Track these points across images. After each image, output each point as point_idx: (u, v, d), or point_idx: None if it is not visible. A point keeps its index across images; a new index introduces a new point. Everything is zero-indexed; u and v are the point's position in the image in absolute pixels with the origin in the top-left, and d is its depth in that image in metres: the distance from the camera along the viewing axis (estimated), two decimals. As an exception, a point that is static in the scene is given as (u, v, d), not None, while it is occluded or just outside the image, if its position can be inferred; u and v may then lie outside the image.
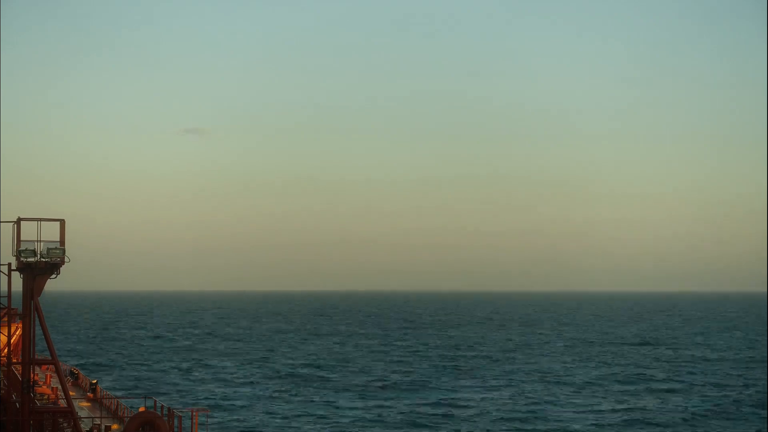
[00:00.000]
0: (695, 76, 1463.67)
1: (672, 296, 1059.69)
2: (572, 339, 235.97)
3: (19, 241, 48.38)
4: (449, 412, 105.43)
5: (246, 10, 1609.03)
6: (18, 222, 48.53)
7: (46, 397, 61.04)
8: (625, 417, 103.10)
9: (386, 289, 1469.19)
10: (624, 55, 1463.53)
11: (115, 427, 53.43)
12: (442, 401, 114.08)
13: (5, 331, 56.90)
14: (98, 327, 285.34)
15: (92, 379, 73.82)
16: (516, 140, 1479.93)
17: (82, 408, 59.61)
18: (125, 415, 56.64)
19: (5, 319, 53.62)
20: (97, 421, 54.12)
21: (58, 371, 50.26)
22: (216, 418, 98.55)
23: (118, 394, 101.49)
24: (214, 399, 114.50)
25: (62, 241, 48.62)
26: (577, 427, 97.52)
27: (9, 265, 49.40)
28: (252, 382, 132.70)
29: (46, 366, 71.29)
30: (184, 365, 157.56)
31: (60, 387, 53.57)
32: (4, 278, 49.46)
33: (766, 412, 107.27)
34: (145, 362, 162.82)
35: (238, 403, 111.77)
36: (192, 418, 52.91)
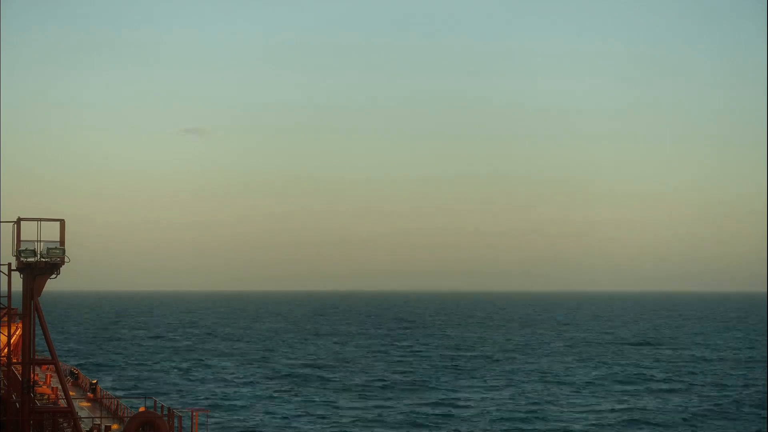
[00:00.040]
0: (695, 76, 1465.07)
1: (672, 296, 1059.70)
2: (572, 339, 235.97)
3: (19, 241, 48.39)
4: (449, 412, 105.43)
5: (246, 10, 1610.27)
6: (18, 222, 48.53)
7: (46, 397, 61.03)
8: (625, 417, 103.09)
9: (386, 289, 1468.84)
10: (624, 55, 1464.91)
11: (115, 427, 53.44)
12: (442, 401, 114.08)
13: (5, 331, 56.93)
14: (98, 327, 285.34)
15: (92, 379, 73.85)
16: (516, 140, 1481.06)
17: (82, 408, 59.61)
18: (125, 415, 56.64)
19: (5, 319, 53.64)
20: (97, 421, 54.13)
21: (58, 371, 50.26)
22: (216, 418, 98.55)
23: (118, 394, 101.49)
24: (214, 399, 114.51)
25: (62, 241, 48.62)
26: (577, 427, 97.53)
27: (9, 265, 49.42)
28: (252, 382, 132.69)
29: (46, 366, 71.29)
30: (184, 365, 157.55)
31: (60, 387, 53.58)
32: (4, 278, 49.49)
33: (766, 412, 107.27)
34: (145, 362, 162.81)
35: (238, 403, 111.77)
36: (192, 418, 52.92)
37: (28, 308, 49.00)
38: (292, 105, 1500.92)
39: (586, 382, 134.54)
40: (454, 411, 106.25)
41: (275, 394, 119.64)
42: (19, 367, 51.11)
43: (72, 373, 78.12)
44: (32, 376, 50.63)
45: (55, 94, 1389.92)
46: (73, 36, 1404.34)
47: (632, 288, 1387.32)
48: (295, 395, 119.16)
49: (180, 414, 51.21)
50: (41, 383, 66.23)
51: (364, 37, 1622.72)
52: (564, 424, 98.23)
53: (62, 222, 48.86)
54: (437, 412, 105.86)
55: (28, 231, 48.35)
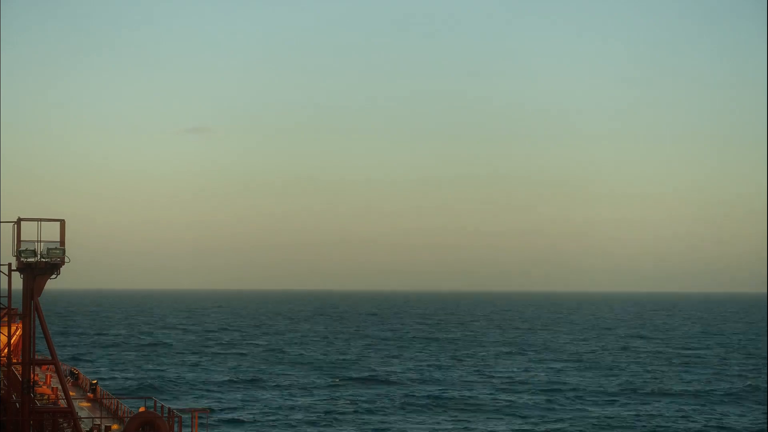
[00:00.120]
0: (695, 76, 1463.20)
1: (672, 296, 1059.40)
2: (571, 339, 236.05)
3: (19, 241, 48.37)
4: (449, 412, 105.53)
5: (246, 10, 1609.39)
6: (18, 222, 48.52)
7: (46, 397, 60.99)
8: (625, 417, 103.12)
9: (386, 289, 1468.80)
10: (624, 55, 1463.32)
11: (115, 427, 53.42)
12: (442, 401, 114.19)
13: (5, 331, 56.91)
14: (98, 326, 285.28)
15: (92, 379, 73.78)
16: (516, 140, 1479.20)
17: (82, 408, 59.59)
18: (125, 415, 56.61)
19: (5, 319, 53.62)
20: (97, 422, 54.11)
21: (58, 371, 50.25)
22: (216, 418, 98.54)
23: (118, 394, 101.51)
24: (214, 399, 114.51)
25: (62, 241, 48.61)
26: (577, 427, 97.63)
27: (9, 265, 49.40)
28: (252, 382, 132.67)
29: (46, 366, 71.25)
30: (184, 365, 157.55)
31: (60, 387, 53.56)
32: (4, 278, 49.47)
33: (766, 412, 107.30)
34: (145, 362, 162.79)
35: (238, 403, 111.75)
36: (192, 418, 52.91)
37: (28, 308, 49.00)
38: (292, 105, 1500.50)
39: (586, 382, 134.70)
40: (454, 410, 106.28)
41: (275, 394, 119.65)
42: (19, 367, 51.10)
43: (72, 373, 78.09)
44: (32, 376, 50.62)
45: (55, 94, 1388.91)
46: (73, 36, 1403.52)
47: (632, 288, 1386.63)
48: (297, 395, 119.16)
49: (180, 414, 51.20)
50: (41, 383, 66.20)
51: (364, 37, 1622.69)
52: (564, 424, 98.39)
53: (62, 222, 48.85)
54: (436, 412, 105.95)
55: (28, 231, 48.35)
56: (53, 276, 48.77)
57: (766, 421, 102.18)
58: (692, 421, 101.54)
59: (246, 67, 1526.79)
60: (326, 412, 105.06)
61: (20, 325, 54.69)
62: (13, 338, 60.39)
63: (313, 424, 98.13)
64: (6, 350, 55.40)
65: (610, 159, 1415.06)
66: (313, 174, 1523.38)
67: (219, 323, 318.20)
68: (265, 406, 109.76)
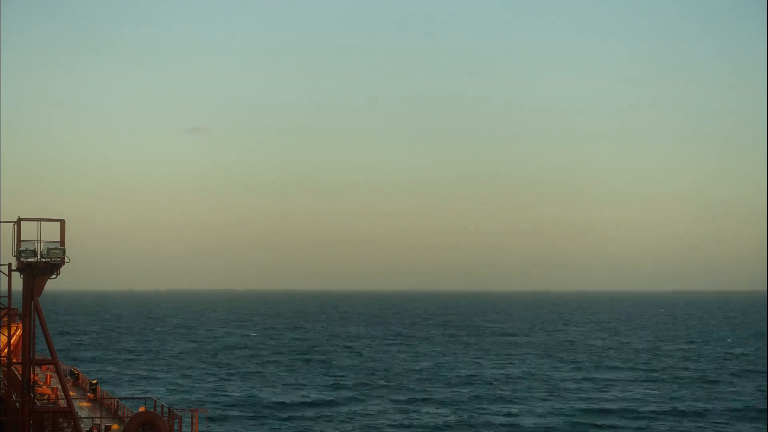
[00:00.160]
0: (695, 76, 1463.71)
1: (672, 296, 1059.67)
2: (572, 339, 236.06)
3: (19, 241, 48.35)
4: (450, 411, 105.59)
5: (246, 10, 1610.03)
6: (18, 222, 48.52)
7: (46, 397, 61.00)
8: (625, 417, 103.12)
9: (386, 289, 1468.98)
10: (624, 55, 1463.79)
11: (115, 427, 53.43)
12: (442, 402, 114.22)
13: (5, 331, 56.91)
14: (98, 326, 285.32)
15: (92, 379, 73.79)
16: (516, 140, 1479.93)
17: (82, 408, 59.60)
18: (125, 415, 56.62)
19: (5, 319, 53.62)
20: (97, 421, 54.11)
21: (58, 371, 50.25)
22: (216, 418, 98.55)
23: (119, 394, 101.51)
24: (214, 399, 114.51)
25: (62, 241, 48.59)
26: (578, 427, 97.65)
27: (9, 265, 49.38)
28: (252, 382, 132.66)
29: (46, 366, 71.27)
30: (185, 365, 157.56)
31: (60, 387, 53.56)
32: (4, 278, 49.45)
33: (766, 412, 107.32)
34: (145, 362, 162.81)
35: (239, 403, 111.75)
36: (192, 418, 52.92)
37: (28, 308, 48.98)
38: (292, 105, 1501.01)
39: (585, 383, 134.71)
40: (454, 409, 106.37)
41: (275, 394, 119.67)
42: (19, 367, 51.10)
43: (72, 373, 78.11)
44: (32, 376, 50.62)
45: (55, 94, 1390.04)
46: (73, 36, 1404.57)
47: (632, 288, 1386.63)
48: (296, 394, 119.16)
49: (180, 414, 51.21)
50: (41, 383, 66.21)
51: (364, 37, 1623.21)
52: (563, 424, 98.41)
53: (62, 222, 48.83)
54: (437, 412, 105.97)
55: (28, 231, 48.34)
56: (53, 276, 48.75)
57: (766, 422, 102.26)
58: (692, 422, 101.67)
59: (246, 67, 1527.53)
60: (327, 412, 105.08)
61: (20, 325, 54.71)
62: (13, 338, 60.39)
63: (314, 423, 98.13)
64: (6, 350, 55.41)
65: (610, 159, 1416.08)
66: (313, 174, 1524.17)
67: (219, 323, 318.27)
68: (265, 405, 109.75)
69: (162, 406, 53.11)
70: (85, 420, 53.72)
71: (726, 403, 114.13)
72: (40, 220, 48.33)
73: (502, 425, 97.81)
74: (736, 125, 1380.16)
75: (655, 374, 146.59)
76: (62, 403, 53.49)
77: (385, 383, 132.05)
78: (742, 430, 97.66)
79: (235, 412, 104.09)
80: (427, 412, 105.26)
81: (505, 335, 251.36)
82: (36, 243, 48.23)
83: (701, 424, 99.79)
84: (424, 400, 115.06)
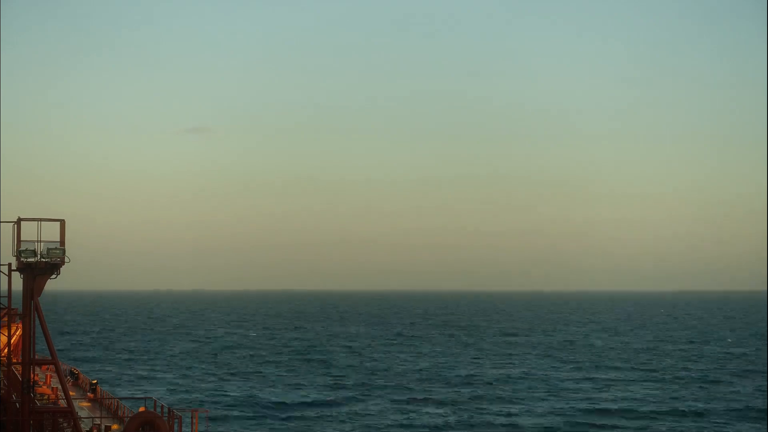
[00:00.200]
0: (695, 76, 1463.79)
1: (672, 296, 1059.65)
2: (571, 339, 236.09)
3: (19, 241, 48.34)
4: (449, 411, 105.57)
5: (246, 10, 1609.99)
6: (18, 222, 48.51)
7: (46, 397, 61.00)
8: (625, 417, 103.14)
9: (386, 289, 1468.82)
10: (624, 55, 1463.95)
11: (115, 427, 53.43)
12: (442, 402, 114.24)
13: (5, 331, 56.91)
14: (98, 327, 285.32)
15: (92, 379, 73.79)
16: (516, 140, 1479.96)
17: (82, 408, 59.59)
18: (125, 415, 56.62)
19: (5, 319, 53.62)
20: (97, 421, 54.12)
21: (58, 371, 50.24)
22: (216, 418, 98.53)
23: (119, 394, 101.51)
24: (214, 399, 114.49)
25: (62, 241, 48.58)
26: (578, 427, 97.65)
27: (9, 265, 49.37)
28: (252, 382, 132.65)
29: (46, 366, 71.27)
30: (185, 365, 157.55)
31: (60, 387, 53.55)
32: (4, 278, 49.43)
33: (766, 412, 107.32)
34: (145, 362, 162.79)
35: (239, 403, 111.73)
36: (192, 418, 52.92)
37: (28, 308, 48.98)
38: (292, 105, 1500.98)
39: (585, 382, 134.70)
40: (454, 409, 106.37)
41: (275, 394, 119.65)
42: (19, 367, 51.09)
43: (72, 373, 78.11)
44: (32, 376, 50.61)
45: (55, 94, 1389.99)
46: (73, 36, 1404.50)
47: (632, 288, 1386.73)
48: (296, 395, 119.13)
49: (180, 414, 51.20)
50: (41, 383, 66.20)
51: (364, 37, 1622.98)
52: (564, 423, 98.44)
53: (62, 222, 48.82)
54: (438, 411, 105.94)
55: (28, 231, 48.33)
56: (53, 276, 48.74)
57: (766, 422, 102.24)
58: (692, 422, 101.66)
59: (246, 67, 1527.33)
60: (327, 412, 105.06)
61: (20, 325, 54.69)
62: (13, 338, 60.39)
63: (314, 423, 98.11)
64: (6, 350, 55.41)
65: (610, 159, 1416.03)
66: (313, 174, 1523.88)
67: (219, 323, 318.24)
68: (265, 405, 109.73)
69: (162, 406, 53.10)
70: (85, 420, 53.71)
71: (726, 403, 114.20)
72: (40, 220, 48.32)
73: (502, 425, 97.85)
74: (736, 125, 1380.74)
75: (655, 374, 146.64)
76: (62, 403, 53.48)
77: (385, 383, 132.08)
78: (742, 430, 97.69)
79: (235, 412, 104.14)
80: (427, 412, 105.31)
81: (505, 335, 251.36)
82: (36, 243, 48.22)
83: (701, 424, 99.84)
84: (424, 400, 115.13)
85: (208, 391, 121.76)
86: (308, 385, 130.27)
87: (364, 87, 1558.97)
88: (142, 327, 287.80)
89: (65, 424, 50.80)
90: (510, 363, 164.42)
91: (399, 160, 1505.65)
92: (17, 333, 60.65)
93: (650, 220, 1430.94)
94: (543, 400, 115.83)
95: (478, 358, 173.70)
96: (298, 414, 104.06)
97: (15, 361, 54.78)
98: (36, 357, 50.75)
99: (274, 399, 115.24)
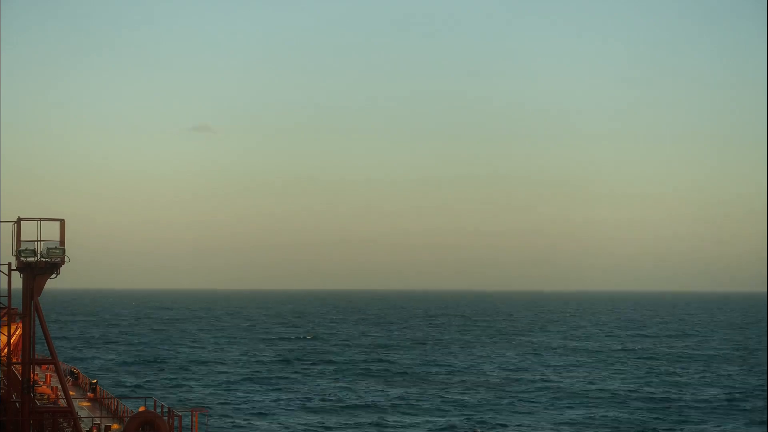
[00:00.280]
0: (695, 76, 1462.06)
1: (672, 296, 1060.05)
2: (571, 339, 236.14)
3: (19, 241, 48.38)
4: (449, 411, 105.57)
5: (246, 10, 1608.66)
6: (18, 222, 48.53)
7: (46, 397, 61.02)
8: (624, 416, 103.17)
9: (386, 289, 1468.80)
10: (624, 55, 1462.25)
11: (115, 427, 53.44)
12: (442, 402, 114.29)
13: (5, 331, 56.92)
14: (98, 326, 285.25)
15: (92, 379, 73.80)
16: (516, 140, 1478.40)
17: (82, 408, 59.60)
18: (125, 415, 56.64)
19: (5, 319, 53.65)
20: (97, 421, 54.14)
21: (58, 371, 50.27)
22: (216, 418, 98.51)
23: (118, 394, 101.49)
24: (214, 399, 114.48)
25: (62, 241, 48.62)
26: (578, 427, 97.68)
27: (9, 264, 49.41)
28: (252, 382, 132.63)
29: (46, 366, 71.28)
30: (184, 365, 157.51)
31: (60, 387, 53.55)
32: (4, 278, 49.47)
33: (766, 412, 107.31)
34: (145, 362, 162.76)
35: (238, 403, 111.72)
36: (192, 418, 52.92)
37: (28, 308, 49.01)
38: (292, 105, 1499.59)
39: (584, 382, 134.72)
40: (453, 409, 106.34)
41: (275, 395, 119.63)
42: (19, 367, 51.10)
43: (72, 373, 78.12)
44: (32, 376, 50.62)
45: (55, 94, 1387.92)
46: (73, 36, 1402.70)
47: (632, 288, 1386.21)
48: (296, 395, 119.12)
49: (180, 414, 51.21)
50: (41, 383, 66.21)
51: (364, 37, 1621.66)
52: (563, 423, 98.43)
53: (62, 222, 48.85)
54: (435, 412, 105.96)
55: (28, 231, 48.36)
56: (53, 276, 48.78)
57: (766, 422, 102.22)
58: (691, 421, 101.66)
59: (246, 67, 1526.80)
60: (327, 412, 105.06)
61: (20, 325, 54.71)
62: (13, 338, 60.39)
63: (314, 423, 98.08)
64: (6, 350, 55.41)
65: (610, 159, 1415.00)
66: (313, 174, 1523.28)
67: (219, 323, 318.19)
68: (265, 406, 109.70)
69: (162, 406, 53.10)
70: (85, 420, 53.72)
71: (726, 403, 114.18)
72: (40, 219, 48.37)
73: (503, 425, 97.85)
74: (736, 125, 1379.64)
75: (654, 374, 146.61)
76: (62, 402, 53.52)
77: (386, 383, 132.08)
78: (742, 430, 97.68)
79: (235, 412, 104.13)
80: (428, 412, 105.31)
81: (506, 335, 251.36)
82: (36, 243, 48.26)
83: (701, 424, 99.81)
84: (424, 400, 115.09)
85: (208, 391, 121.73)
86: (309, 385, 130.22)
87: (364, 87, 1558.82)
88: (142, 327, 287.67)
89: (65, 424, 50.83)
90: (510, 363, 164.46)
91: (399, 160, 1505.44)
92: (17, 333, 60.67)
93: (650, 220, 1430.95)
94: (543, 400, 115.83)
95: (479, 358, 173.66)
96: (298, 414, 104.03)
97: (15, 360, 54.80)
98: (36, 357, 50.78)
99: (274, 399, 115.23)
